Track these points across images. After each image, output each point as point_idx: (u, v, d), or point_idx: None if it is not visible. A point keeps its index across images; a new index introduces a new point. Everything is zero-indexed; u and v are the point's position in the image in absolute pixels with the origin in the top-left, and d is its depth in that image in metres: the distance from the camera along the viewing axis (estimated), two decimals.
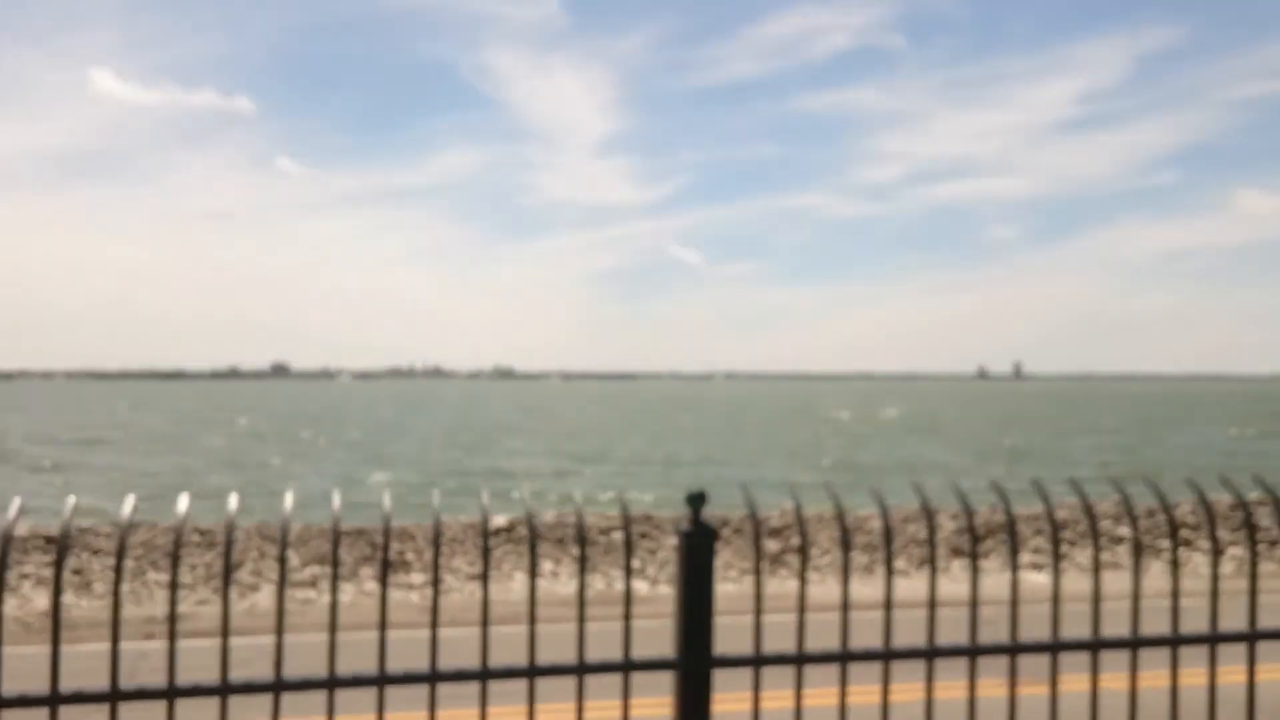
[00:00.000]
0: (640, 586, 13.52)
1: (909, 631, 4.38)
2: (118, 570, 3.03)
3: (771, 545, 15.16)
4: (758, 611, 3.50)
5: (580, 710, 3.38)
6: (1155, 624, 3.89)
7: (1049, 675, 3.61)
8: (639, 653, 3.44)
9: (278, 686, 3.16)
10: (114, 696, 3.04)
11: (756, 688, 3.46)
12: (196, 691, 3.10)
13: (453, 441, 64.44)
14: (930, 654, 3.56)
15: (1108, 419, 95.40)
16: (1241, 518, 3.68)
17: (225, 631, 3.13)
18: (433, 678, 3.27)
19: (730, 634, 3.91)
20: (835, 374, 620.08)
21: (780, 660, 3.50)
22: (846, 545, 3.60)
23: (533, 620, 3.38)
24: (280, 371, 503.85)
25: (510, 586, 13.37)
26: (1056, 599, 3.58)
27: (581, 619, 3.41)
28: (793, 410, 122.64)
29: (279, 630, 3.13)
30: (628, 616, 3.46)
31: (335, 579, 3.28)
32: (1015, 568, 3.65)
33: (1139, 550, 3.63)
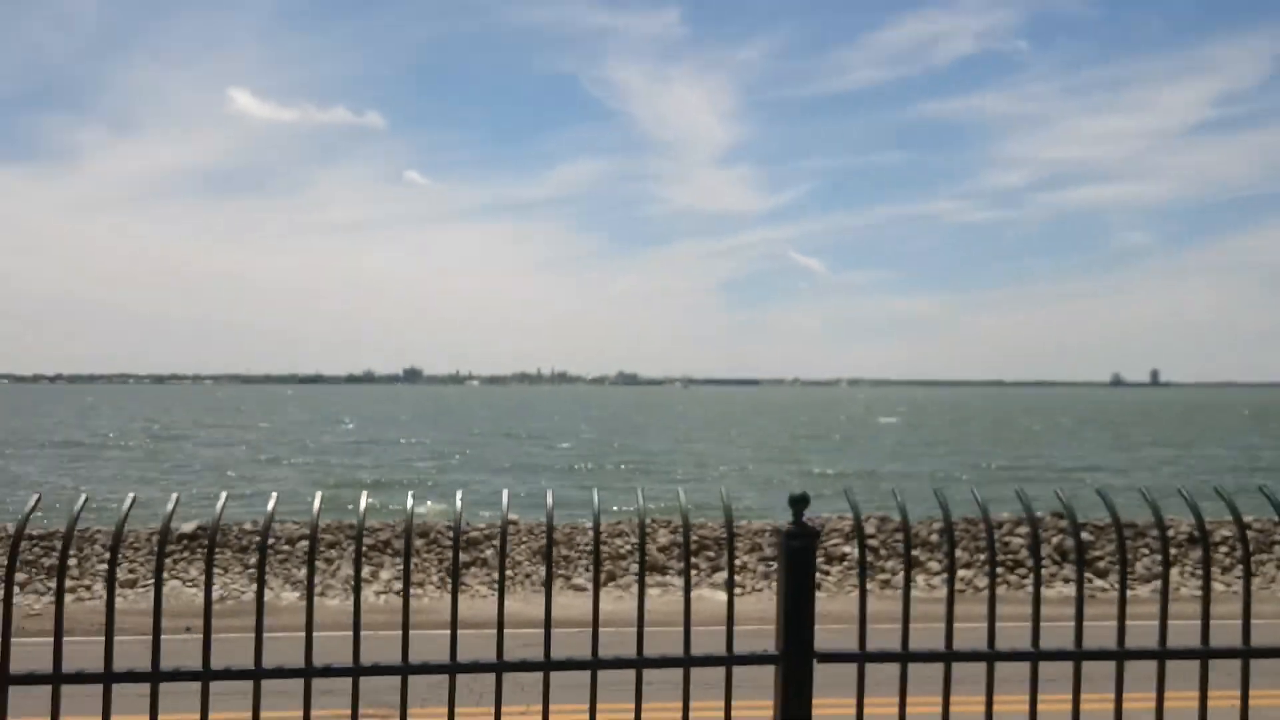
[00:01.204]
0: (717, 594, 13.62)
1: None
2: (208, 563, 3.29)
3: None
4: (862, 608, 3.58)
5: (686, 704, 3.51)
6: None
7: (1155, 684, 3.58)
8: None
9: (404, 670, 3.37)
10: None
11: (861, 682, 3.52)
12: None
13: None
14: (1035, 657, 3.58)
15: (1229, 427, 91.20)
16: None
17: (309, 625, 3.34)
18: (547, 666, 3.45)
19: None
20: (964, 381, 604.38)
21: (884, 657, 3.55)
22: (952, 547, 3.64)
23: (641, 619, 3.52)
24: (412, 376, 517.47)
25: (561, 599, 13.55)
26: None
27: (687, 615, 3.54)
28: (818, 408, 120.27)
29: (405, 627, 3.34)
30: (730, 615, 3.59)
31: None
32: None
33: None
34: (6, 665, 3.13)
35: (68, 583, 13.31)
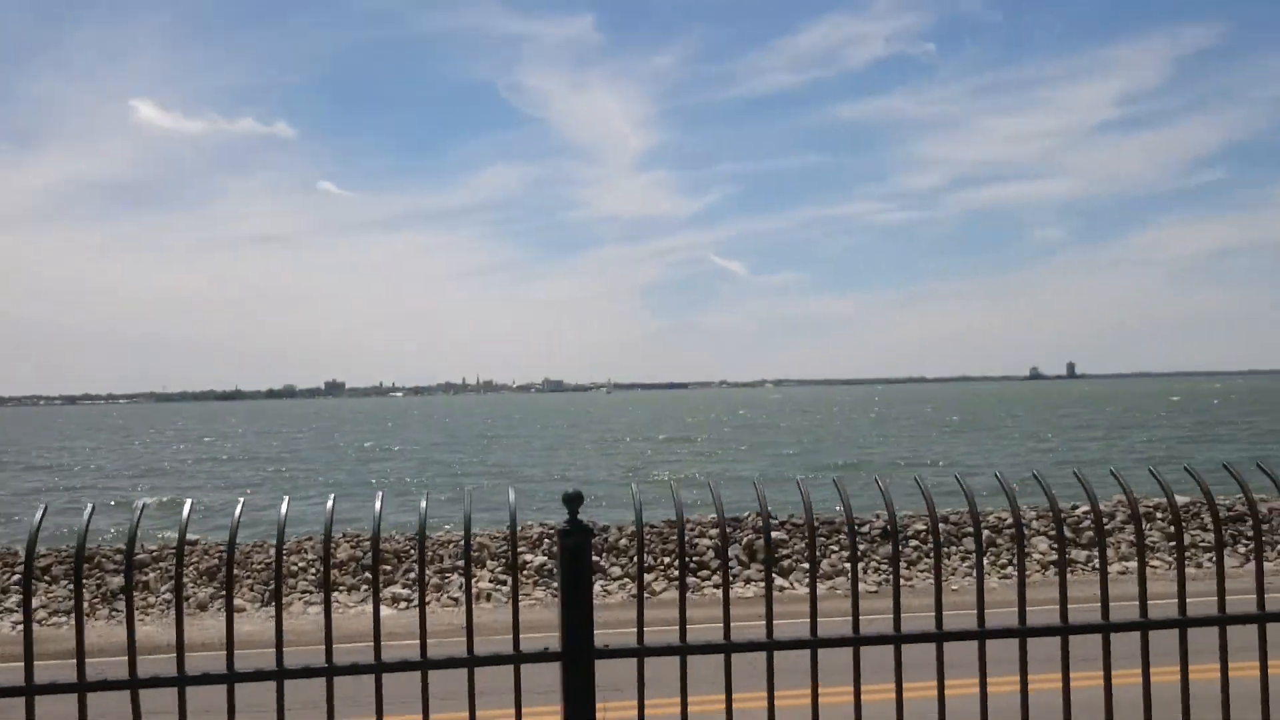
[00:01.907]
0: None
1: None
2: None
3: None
4: (640, 606, 3.62)
5: (473, 707, 3.54)
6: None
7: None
8: None
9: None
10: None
11: (641, 676, 3.58)
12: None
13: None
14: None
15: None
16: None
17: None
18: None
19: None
20: (886, 379, 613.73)
21: (664, 651, 3.61)
22: (724, 535, 3.72)
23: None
24: (335, 390, 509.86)
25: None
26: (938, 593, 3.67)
27: (469, 615, 3.56)
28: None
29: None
30: (515, 616, 3.62)
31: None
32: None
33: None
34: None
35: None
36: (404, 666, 3.52)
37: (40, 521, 3.36)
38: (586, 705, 3.57)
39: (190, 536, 17.23)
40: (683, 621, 3.67)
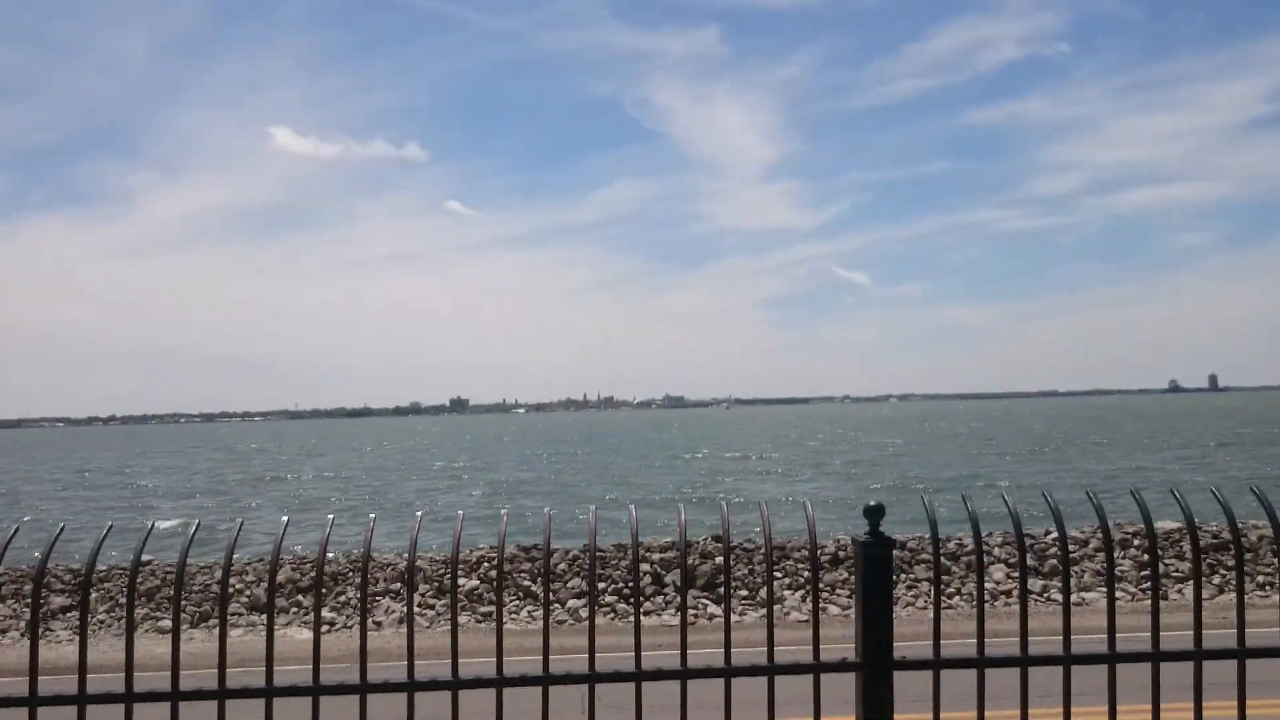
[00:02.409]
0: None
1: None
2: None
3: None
4: (936, 617, 3.61)
5: (771, 714, 3.56)
6: None
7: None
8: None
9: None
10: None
11: (936, 688, 3.56)
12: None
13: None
14: (1112, 659, 3.58)
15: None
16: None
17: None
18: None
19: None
20: (1016, 393, 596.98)
21: (961, 663, 3.59)
22: (1023, 550, 3.67)
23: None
24: (459, 406, 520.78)
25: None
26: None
27: (768, 626, 3.58)
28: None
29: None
30: (816, 624, 3.64)
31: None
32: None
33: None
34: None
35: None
36: (707, 674, 3.59)
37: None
38: (884, 717, 3.56)
39: (145, 557, 17.78)
40: (980, 632, 3.63)
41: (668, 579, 15.80)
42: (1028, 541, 16.52)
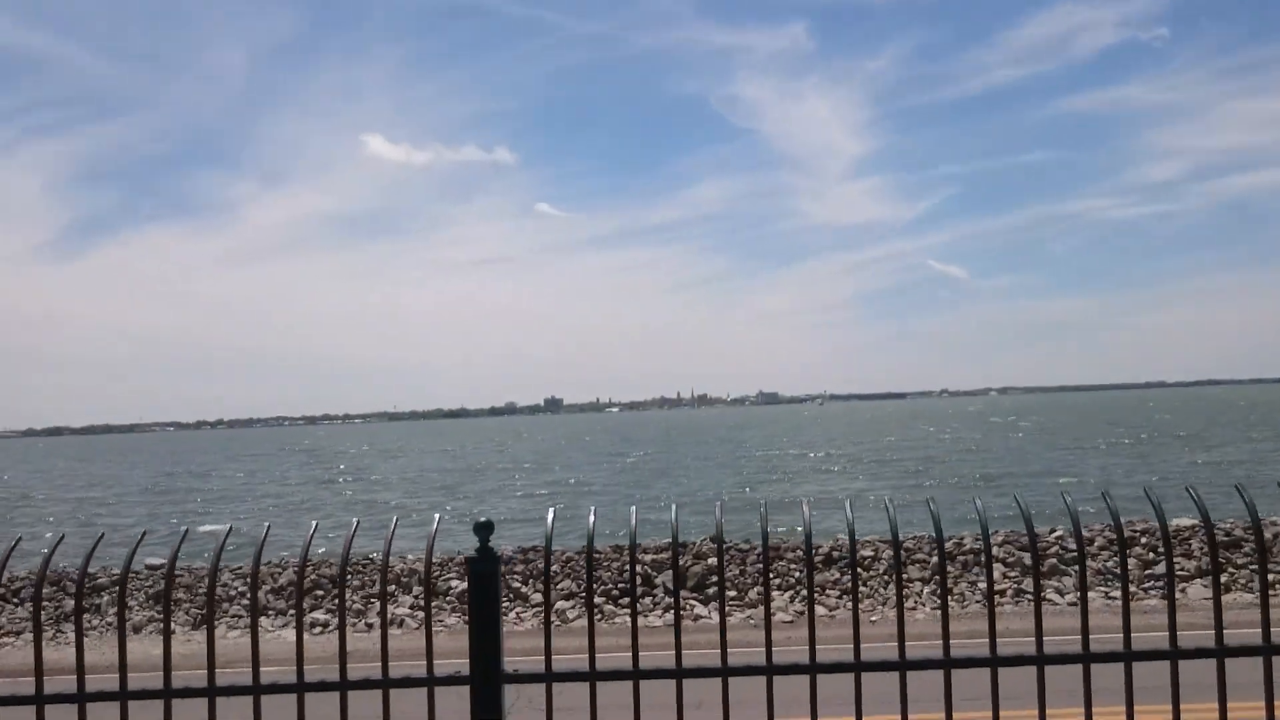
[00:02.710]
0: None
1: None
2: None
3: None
4: (547, 633, 3.65)
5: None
6: None
7: None
8: None
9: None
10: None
11: (549, 702, 3.61)
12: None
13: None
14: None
15: None
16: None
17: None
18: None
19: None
20: (1121, 384, 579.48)
21: (572, 677, 3.63)
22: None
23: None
24: (553, 406, 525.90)
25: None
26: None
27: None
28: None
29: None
30: (429, 642, 3.71)
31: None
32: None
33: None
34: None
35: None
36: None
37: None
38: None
39: (152, 561, 18.33)
40: (591, 645, 3.67)
41: (658, 580, 15.85)
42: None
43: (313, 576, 16.75)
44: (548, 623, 3.72)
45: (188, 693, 3.63)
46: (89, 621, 15.56)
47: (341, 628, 3.64)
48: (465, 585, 15.88)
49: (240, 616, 15.68)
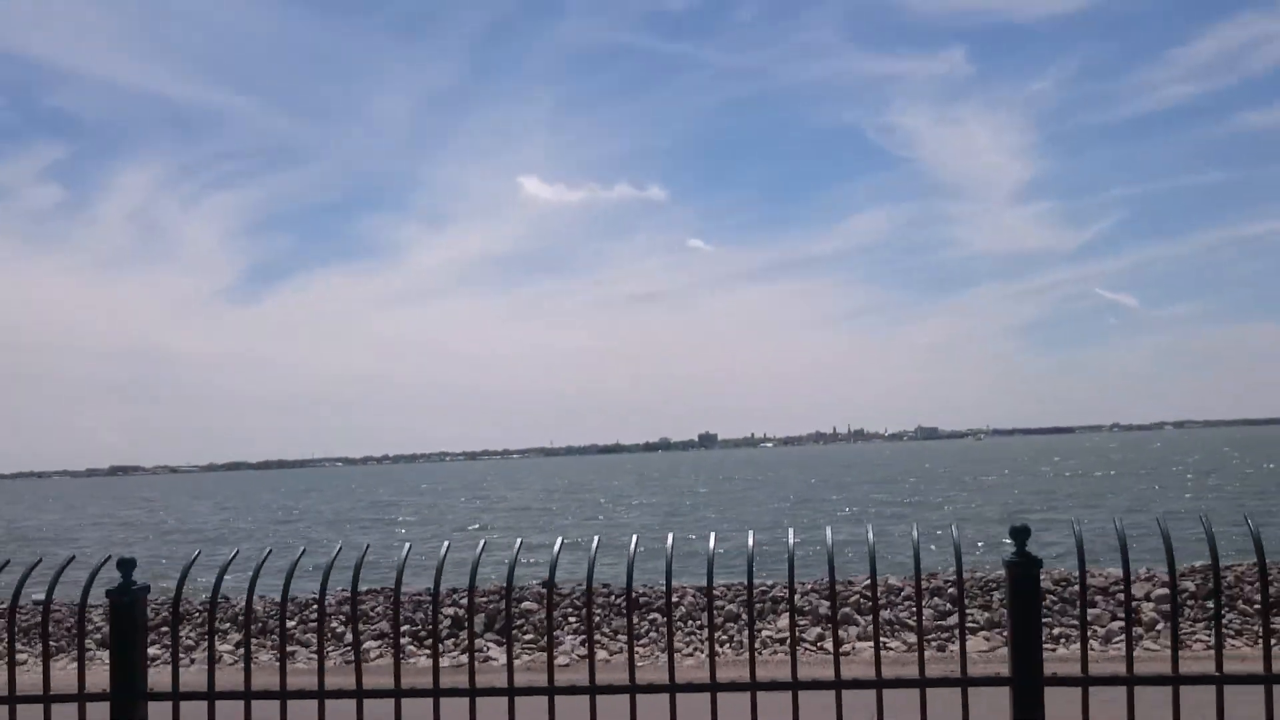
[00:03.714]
0: None
1: None
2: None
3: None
4: (1084, 636, 3.70)
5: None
6: None
7: None
8: None
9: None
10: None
11: (1085, 705, 3.65)
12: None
13: None
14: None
15: None
16: None
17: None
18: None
19: None
20: None
21: (1110, 681, 3.67)
22: (1174, 584, 3.68)
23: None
24: (708, 441, 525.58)
25: None
26: None
27: (921, 644, 3.78)
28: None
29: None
30: (962, 638, 3.79)
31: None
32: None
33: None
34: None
35: None
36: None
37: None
38: None
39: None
40: (1129, 649, 3.68)
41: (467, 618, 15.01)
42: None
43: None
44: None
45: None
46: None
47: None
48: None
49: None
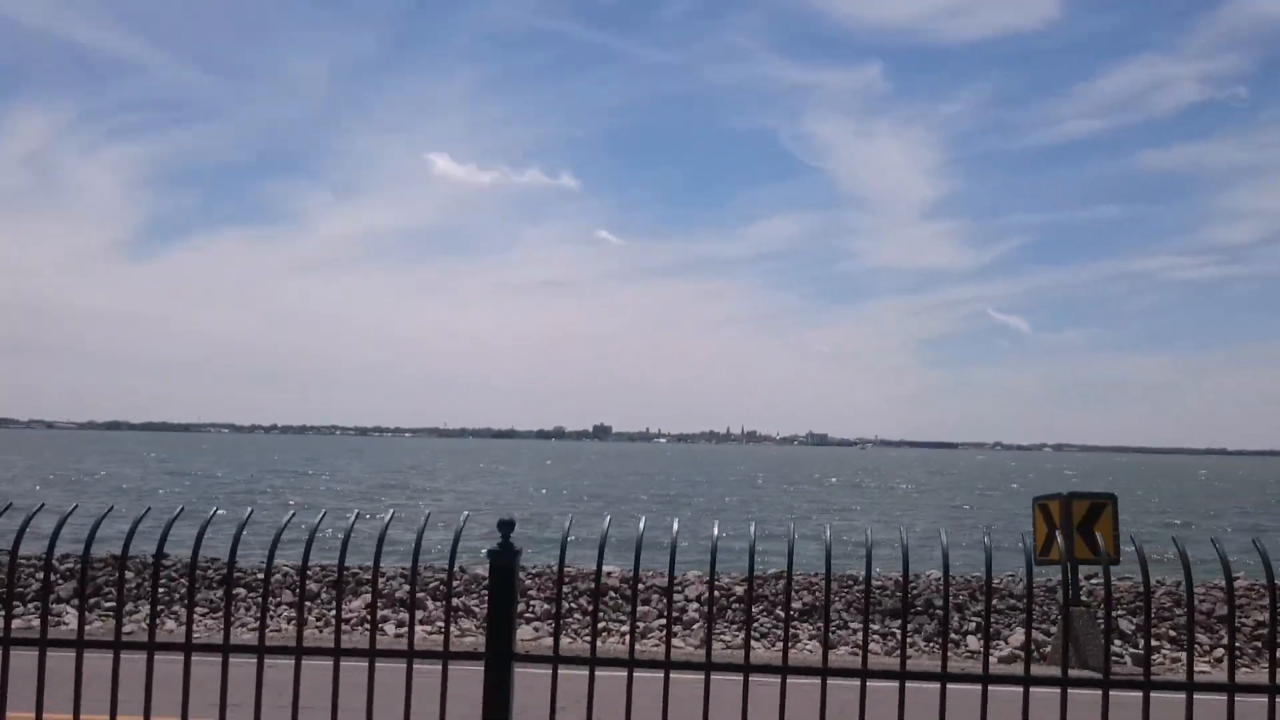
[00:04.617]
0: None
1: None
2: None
3: None
4: (557, 618, 4.06)
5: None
6: None
7: None
8: None
9: None
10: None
11: (555, 679, 4.18)
12: None
13: None
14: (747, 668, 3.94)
15: None
16: None
17: None
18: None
19: None
20: (1181, 449, 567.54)
21: (576, 660, 4.06)
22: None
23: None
24: (602, 433, 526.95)
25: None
26: None
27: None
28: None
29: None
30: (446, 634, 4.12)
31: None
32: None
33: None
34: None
35: None
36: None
37: None
38: (504, 705, 4.01)
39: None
40: (594, 633, 4.04)
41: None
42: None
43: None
44: (558, 616, 4.09)
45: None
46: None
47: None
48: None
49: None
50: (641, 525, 4.40)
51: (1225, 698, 4.10)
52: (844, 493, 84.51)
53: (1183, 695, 4.06)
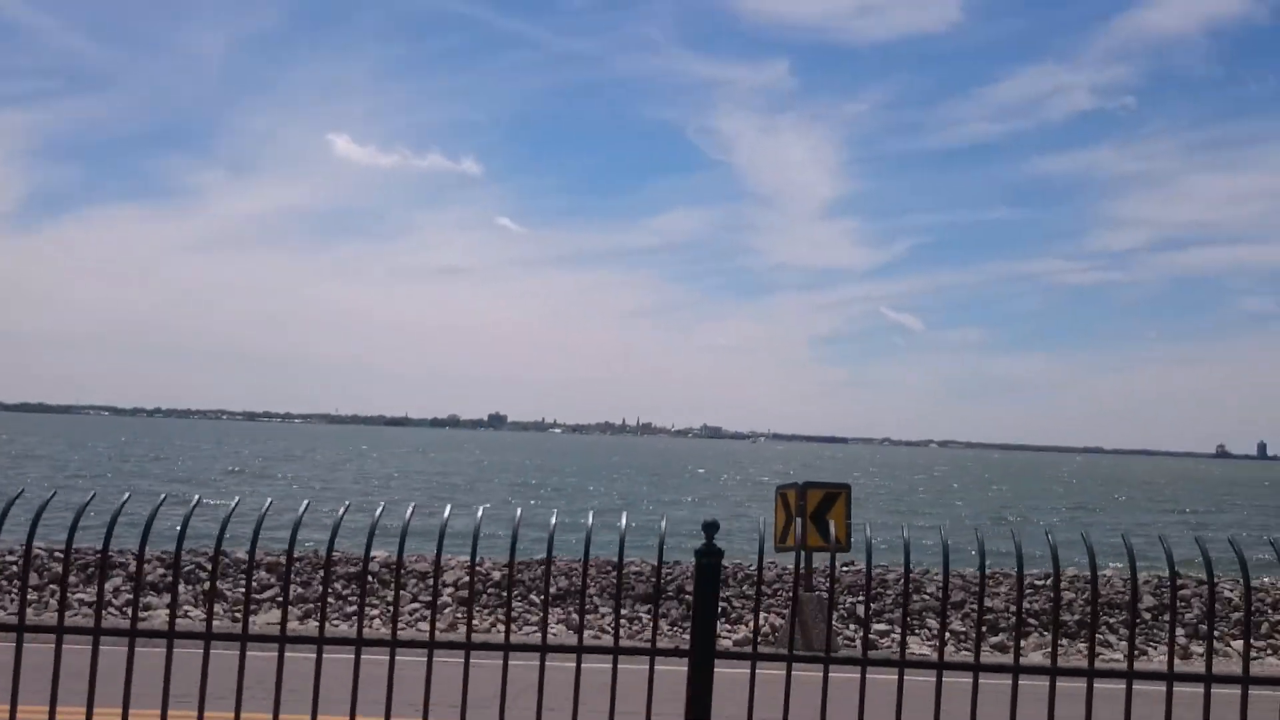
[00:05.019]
0: None
1: None
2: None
3: None
4: (756, 613, 4.16)
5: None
6: None
7: None
8: None
9: None
10: None
11: (753, 676, 4.32)
12: None
13: None
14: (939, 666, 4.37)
15: None
16: None
17: None
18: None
19: None
20: (1061, 447, 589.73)
21: (775, 657, 4.40)
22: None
23: None
24: (497, 422, 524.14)
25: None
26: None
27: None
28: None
29: None
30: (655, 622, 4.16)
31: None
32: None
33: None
34: None
35: None
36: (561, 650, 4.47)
37: None
38: (705, 699, 4.41)
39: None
40: (791, 631, 4.08)
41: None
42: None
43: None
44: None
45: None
46: None
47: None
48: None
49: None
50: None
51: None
52: (699, 485, 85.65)
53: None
